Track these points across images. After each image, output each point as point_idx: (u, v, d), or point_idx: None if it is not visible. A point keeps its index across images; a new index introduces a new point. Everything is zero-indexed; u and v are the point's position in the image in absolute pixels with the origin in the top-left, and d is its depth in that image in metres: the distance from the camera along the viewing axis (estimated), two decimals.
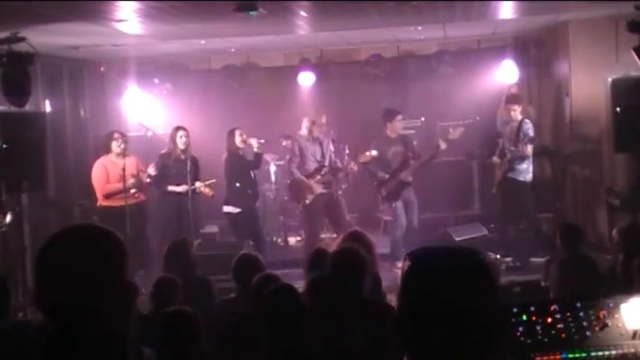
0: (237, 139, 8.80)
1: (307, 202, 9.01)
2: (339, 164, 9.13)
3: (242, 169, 8.87)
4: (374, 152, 9.12)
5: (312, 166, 9.02)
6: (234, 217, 8.91)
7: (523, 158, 8.76)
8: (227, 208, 8.92)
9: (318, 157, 9.04)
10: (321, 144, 9.04)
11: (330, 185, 9.03)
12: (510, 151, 8.85)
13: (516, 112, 8.87)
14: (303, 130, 9.14)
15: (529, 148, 8.68)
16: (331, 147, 9.12)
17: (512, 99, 9.13)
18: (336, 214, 9.08)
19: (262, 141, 8.88)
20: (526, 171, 8.80)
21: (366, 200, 10.31)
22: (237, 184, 8.81)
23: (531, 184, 8.86)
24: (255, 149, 8.84)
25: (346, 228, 9.01)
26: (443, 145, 8.92)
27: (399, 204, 9.08)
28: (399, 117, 9.17)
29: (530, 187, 8.86)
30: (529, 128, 8.75)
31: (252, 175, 9.03)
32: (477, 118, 9.55)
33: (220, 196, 8.91)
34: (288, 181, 9.51)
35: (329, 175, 9.01)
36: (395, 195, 9.05)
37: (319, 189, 8.98)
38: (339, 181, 9.22)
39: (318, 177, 8.99)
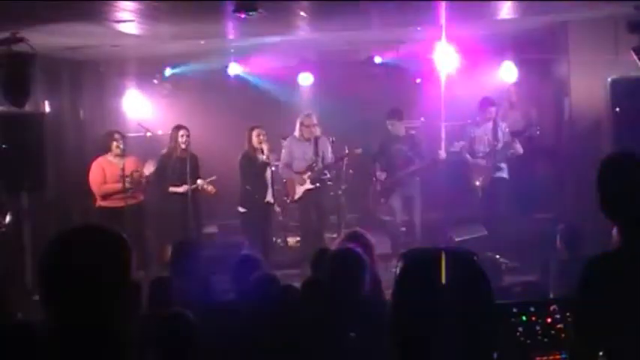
0: (254, 139, 8.81)
1: (296, 197, 9.05)
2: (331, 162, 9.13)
3: (254, 171, 8.87)
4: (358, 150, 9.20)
5: (301, 165, 9.01)
6: (243, 216, 9.04)
7: (506, 156, 9.11)
8: (240, 209, 9.05)
9: (309, 157, 9.01)
10: (316, 144, 9.01)
11: (319, 182, 9.01)
12: (497, 152, 9.06)
13: (492, 112, 9.21)
14: (296, 131, 9.15)
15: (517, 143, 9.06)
16: (328, 147, 9.13)
17: (487, 101, 9.34)
18: (321, 212, 9.10)
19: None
20: (505, 169, 9.17)
21: (366, 200, 10.27)
22: (247, 187, 8.84)
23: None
24: (264, 157, 8.84)
25: (325, 228, 9.20)
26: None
27: (396, 203, 9.08)
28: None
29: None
30: (506, 126, 9.22)
31: (266, 177, 9.02)
32: (477, 118, 9.56)
33: (230, 194, 9.05)
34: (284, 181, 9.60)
35: (319, 173, 8.99)
36: (388, 192, 9.05)
37: (308, 185, 8.97)
38: (334, 180, 9.33)
39: (309, 173, 8.97)
